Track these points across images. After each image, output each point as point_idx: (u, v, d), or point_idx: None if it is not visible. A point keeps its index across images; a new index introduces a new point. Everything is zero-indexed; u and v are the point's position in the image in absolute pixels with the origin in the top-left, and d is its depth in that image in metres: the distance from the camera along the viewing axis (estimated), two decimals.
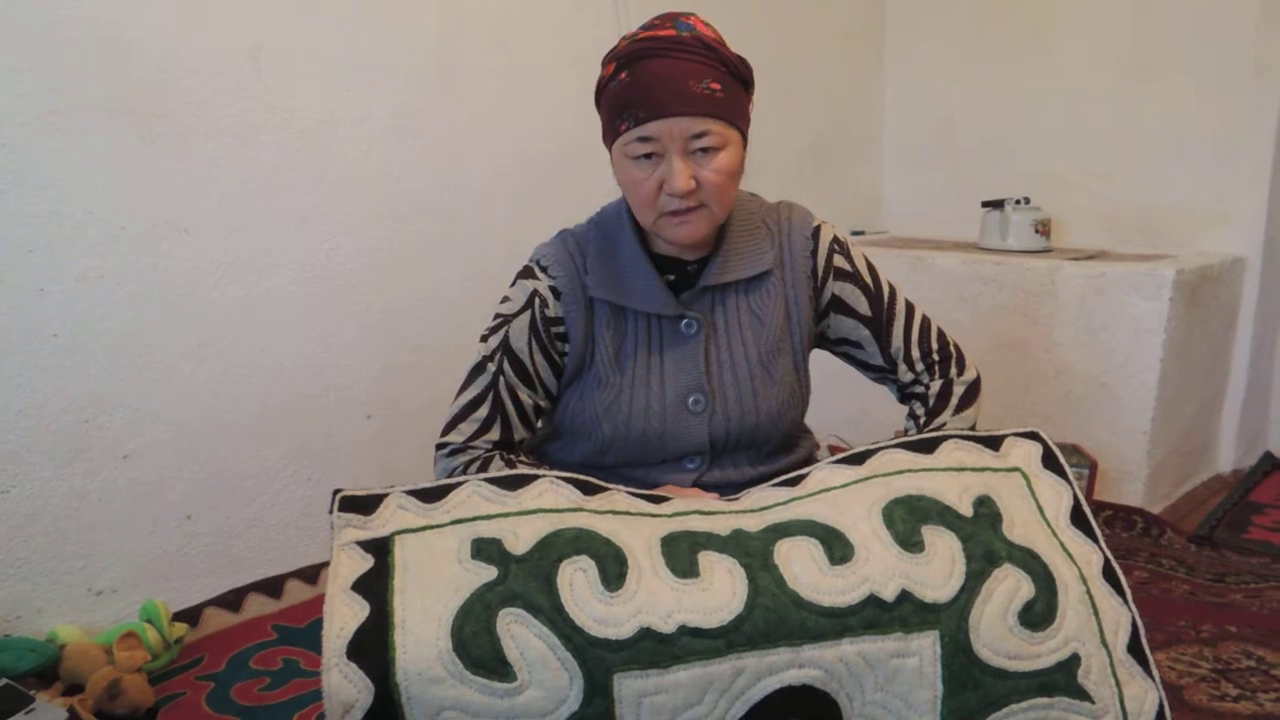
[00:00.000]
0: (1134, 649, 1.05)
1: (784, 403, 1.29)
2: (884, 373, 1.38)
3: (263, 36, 1.95)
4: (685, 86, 1.13)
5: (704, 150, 1.16)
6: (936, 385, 1.34)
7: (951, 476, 1.11)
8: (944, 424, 1.31)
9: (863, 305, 1.33)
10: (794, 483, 1.15)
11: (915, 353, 1.35)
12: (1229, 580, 2.15)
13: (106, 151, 1.78)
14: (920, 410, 1.34)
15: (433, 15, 2.21)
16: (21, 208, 1.70)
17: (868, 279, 1.34)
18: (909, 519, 1.05)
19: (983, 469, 1.14)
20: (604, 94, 1.21)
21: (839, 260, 1.32)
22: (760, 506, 1.10)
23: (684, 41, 1.14)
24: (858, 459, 1.15)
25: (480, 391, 1.27)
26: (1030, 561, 1.04)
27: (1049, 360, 2.66)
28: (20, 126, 1.68)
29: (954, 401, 1.33)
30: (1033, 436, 1.20)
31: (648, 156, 1.16)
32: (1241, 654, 1.83)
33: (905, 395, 1.38)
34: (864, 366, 1.40)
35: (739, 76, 1.19)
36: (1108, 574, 1.08)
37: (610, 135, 1.21)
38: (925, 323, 1.36)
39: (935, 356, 1.35)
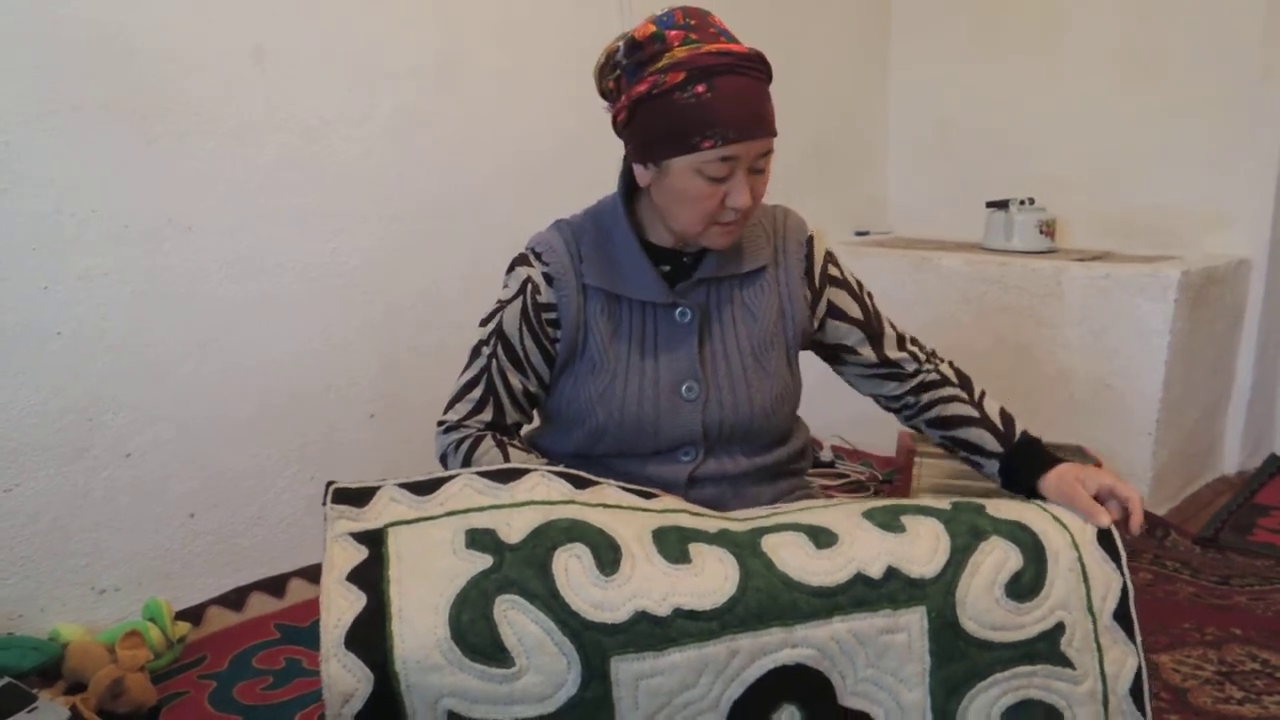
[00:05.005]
0: (1121, 615, 1.07)
1: (778, 396, 1.31)
2: (878, 370, 1.37)
3: (264, 36, 1.96)
4: (763, 108, 1.16)
5: (760, 168, 1.19)
6: (946, 367, 1.36)
7: (930, 497, 1.15)
8: (984, 393, 1.31)
9: (855, 310, 1.36)
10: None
11: (908, 338, 1.37)
12: (1234, 583, 2.14)
13: (108, 150, 1.79)
14: (958, 387, 1.32)
15: (433, 15, 2.21)
16: (24, 206, 1.71)
17: (855, 285, 1.38)
18: (888, 513, 1.09)
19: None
20: (666, 102, 1.14)
21: (832, 269, 1.36)
22: (745, 518, 1.14)
23: (753, 59, 1.16)
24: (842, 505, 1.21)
25: (476, 374, 1.30)
26: (1019, 533, 1.07)
27: (1053, 361, 2.66)
28: (22, 125, 1.69)
29: (977, 385, 1.34)
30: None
31: (723, 178, 1.16)
32: (1246, 656, 1.82)
33: (912, 388, 1.36)
34: (861, 369, 1.38)
35: None
36: (1105, 541, 1.09)
37: (678, 148, 1.15)
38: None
39: (922, 346, 1.38)
